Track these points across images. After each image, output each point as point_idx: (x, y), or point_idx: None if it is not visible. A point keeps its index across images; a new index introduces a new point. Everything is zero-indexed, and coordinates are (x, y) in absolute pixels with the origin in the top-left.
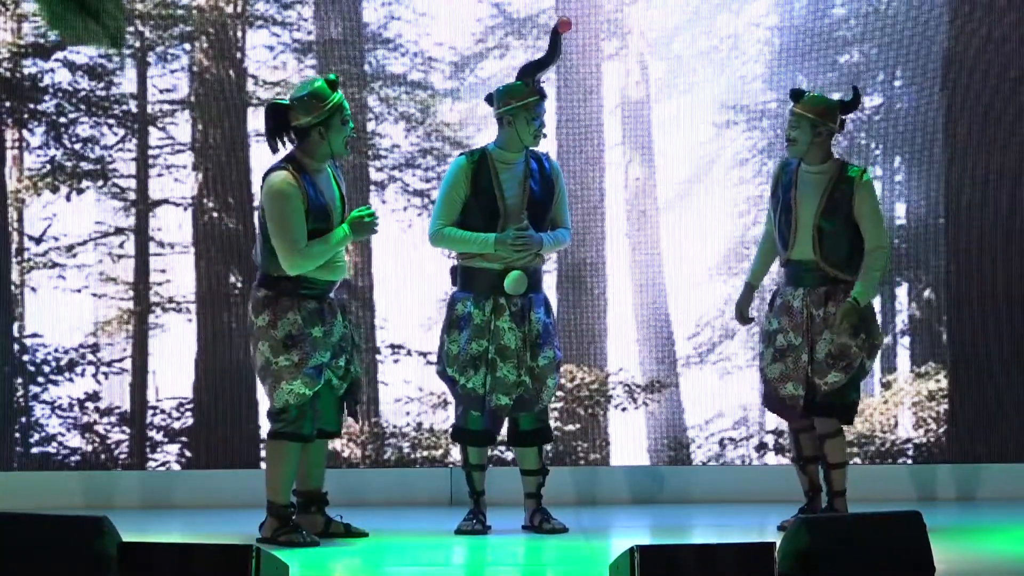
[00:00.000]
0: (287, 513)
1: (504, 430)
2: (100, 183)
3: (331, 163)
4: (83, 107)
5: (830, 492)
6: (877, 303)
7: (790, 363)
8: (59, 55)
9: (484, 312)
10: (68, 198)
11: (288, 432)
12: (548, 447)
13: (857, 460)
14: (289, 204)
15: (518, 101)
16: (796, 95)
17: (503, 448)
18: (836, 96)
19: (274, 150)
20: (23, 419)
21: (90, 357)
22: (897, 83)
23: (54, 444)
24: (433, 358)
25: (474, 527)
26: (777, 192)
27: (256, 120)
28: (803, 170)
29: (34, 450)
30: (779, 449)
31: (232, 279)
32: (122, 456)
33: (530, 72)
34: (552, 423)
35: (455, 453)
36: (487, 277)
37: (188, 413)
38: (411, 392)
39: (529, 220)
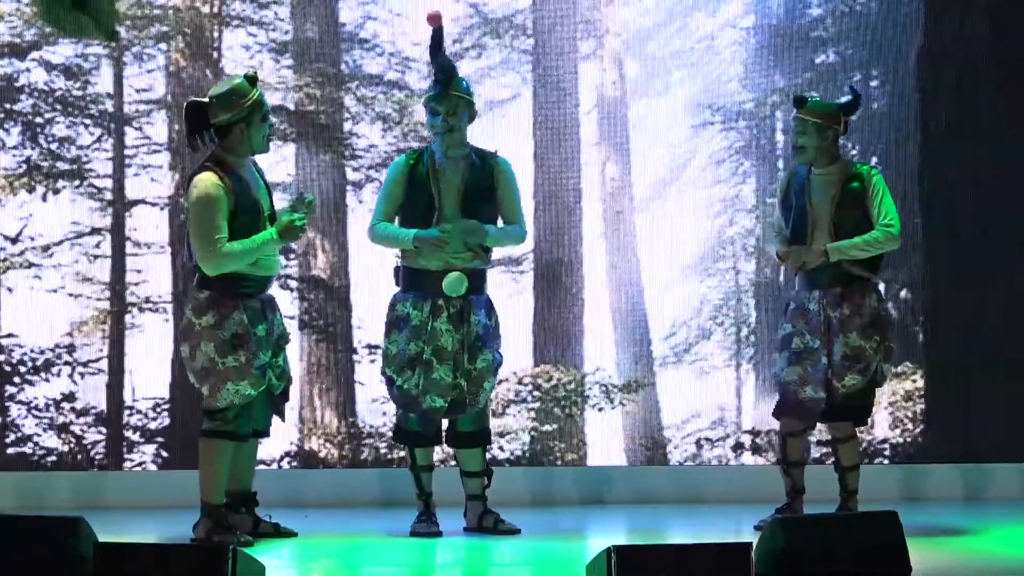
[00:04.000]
0: (221, 514)
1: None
2: (76, 183)
3: (251, 158)
4: (59, 107)
5: (844, 491)
6: None
7: (808, 366)
8: (35, 55)
9: (423, 313)
10: (44, 198)
11: (226, 431)
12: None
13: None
14: (213, 206)
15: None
16: (799, 102)
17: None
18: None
19: (194, 149)
20: None
21: (66, 357)
22: (873, 83)
23: (30, 444)
24: None
25: (429, 529)
26: (789, 199)
27: None
28: (814, 174)
29: (10, 450)
30: (756, 449)
31: None
32: (98, 456)
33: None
34: (528, 423)
35: (435, 454)
36: (427, 278)
37: (164, 413)
38: (388, 392)
39: (467, 214)
